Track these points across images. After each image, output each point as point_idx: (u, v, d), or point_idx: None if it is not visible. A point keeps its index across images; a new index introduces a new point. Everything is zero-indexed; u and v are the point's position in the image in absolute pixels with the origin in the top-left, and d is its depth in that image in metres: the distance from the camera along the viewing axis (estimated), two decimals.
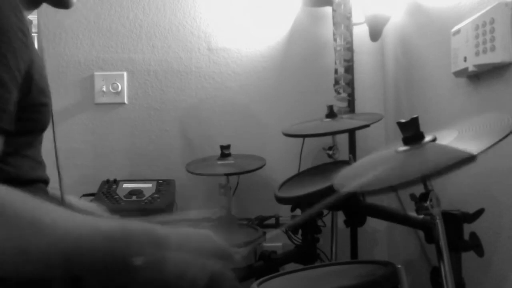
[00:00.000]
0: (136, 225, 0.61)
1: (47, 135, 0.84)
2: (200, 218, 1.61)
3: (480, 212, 1.01)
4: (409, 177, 0.77)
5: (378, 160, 0.94)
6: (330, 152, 1.54)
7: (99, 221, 0.59)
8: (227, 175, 1.62)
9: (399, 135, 0.88)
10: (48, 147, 0.89)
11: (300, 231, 1.56)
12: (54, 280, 0.63)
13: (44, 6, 0.89)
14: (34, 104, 0.72)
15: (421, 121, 0.86)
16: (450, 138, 0.84)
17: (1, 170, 0.68)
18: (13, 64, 0.63)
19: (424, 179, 0.82)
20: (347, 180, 0.92)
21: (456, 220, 1.01)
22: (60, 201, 0.92)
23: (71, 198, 1.18)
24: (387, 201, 1.63)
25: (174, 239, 0.62)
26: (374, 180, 0.82)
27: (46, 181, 0.83)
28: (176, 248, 0.62)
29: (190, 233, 0.67)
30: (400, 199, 1.02)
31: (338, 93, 1.66)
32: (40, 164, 0.82)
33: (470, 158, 0.69)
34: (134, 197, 1.59)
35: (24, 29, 0.68)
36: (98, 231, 0.57)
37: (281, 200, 1.38)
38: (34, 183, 0.77)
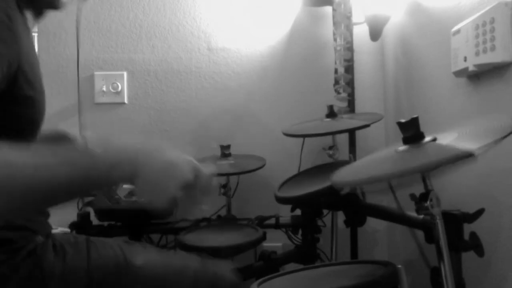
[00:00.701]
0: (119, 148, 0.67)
1: None
2: (201, 218, 1.61)
3: (480, 212, 1.01)
4: (409, 178, 0.77)
5: (378, 160, 0.94)
6: (330, 152, 1.54)
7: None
8: (227, 175, 1.62)
9: (399, 135, 0.88)
10: None
11: (300, 231, 1.56)
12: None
13: None
14: (21, 97, 0.71)
15: (421, 121, 0.86)
16: (450, 138, 0.84)
17: None
18: None
19: (423, 175, 0.82)
20: (347, 178, 0.92)
21: (456, 220, 1.00)
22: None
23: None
24: (387, 201, 1.63)
25: (146, 150, 0.68)
26: (374, 180, 0.82)
27: None
28: (149, 158, 0.67)
29: (161, 147, 0.71)
30: (397, 198, 1.02)
31: (338, 93, 1.66)
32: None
33: (469, 155, 0.69)
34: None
35: (11, 15, 0.67)
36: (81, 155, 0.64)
37: (281, 200, 1.38)
38: None
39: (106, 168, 0.63)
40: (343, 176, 0.91)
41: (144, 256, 0.89)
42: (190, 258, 0.94)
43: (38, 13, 0.88)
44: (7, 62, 0.66)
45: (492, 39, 0.97)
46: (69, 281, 0.80)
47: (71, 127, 1.84)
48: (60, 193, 0.62)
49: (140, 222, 1.56)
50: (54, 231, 0.94)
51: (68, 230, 1.46)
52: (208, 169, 0.75)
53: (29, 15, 0.84)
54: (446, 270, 0.85)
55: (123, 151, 0.66)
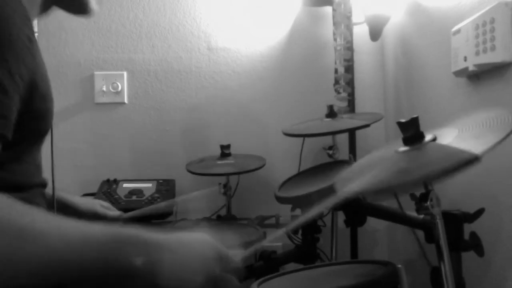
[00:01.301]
0: (129, 232, 0.59)
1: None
2: (198, 220, 1.61)
3: (480, 212, 1.01)
4: (411, 183, 0.77)
5: (378, 160, 0.94)
6: (330, 152, 1.54)
7: (89, 229, 0.57)
8: (227, 175, 1.62)
9: (399, 135, 0.88)
10: (45, 146, 0.89)
11: (300, 231, 1.56)
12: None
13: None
14: (35, 110, 0.71)
15: (421, 121, 0.86)
16: (451, 138, 0.84)
17: None
18: (15, 69, 0.62)
19: (427, 183, 0.82)
20: (348, 182, 0.92)
21: (456, 220, 1.00)
22: (59, 203, 0.92)
23: (71, 197, 1.17)
24: (387, 201, 1.63)
25: (168, 244, 0.61)
26: (375, 185, 0.81)
27: (44, 185, 0.83)
28: (170, 252, 0.61)
29: (185, 238, 0.65)
30: (398, 199, 1.02)
31: (338, 92, 1.66)
32: (38, 167, 0.81)
33: (474, 159, 0.68)
34: (134, 197, 1.59)
35: (31, 36, 0.67)
36: (89, 239, 0.56)
37: (281, 200, 1.38)
38: (32, 188, 0.76)
39: (125, 260, 0.57)
40: (345, 183, 0.90)
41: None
42: None
43: (46, 10, 0.88)
44: (25, 81, 0.65)
45: (492, 39, 0.97)
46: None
47: (71, 127, 1.84)
48: (57, 269, 0.54)
49: (140, 222, 1.56)
50: None
51: None
52: (237, 256, 0.70)
53: (33, 13, 0.84)
54: (446, 270, 0.85)
55: (144, 245, 0.59)
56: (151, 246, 0.59)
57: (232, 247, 0.69)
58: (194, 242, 0.65)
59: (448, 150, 0.78)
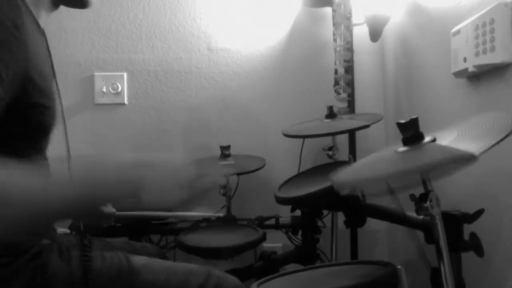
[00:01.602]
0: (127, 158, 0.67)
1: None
2: (201, 218, 1.62)
3: (480, 212, 1.01)
4: (409, 179, 0.77)
5: (377, 160, 0.94)
6: (330, 153, 1.54)
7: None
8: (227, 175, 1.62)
9: (399, 135, 0.88)
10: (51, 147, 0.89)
11: (300, 232, 1.56)
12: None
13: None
14: (32, 104, 0.71)
15: (421, 121, 0.86)
16: (450, 139, 0.84)
17: None
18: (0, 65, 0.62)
19: (424, 179, 0.82)
20: (347, 180, 0.92)
21: (456, 221, 1.01)
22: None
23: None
24: (387, 201, 1.63)
25: (145, 162, 0.67)
26: (374, 181, 0.82)
27: None
28: (150, 169, 0.66)
29: (155, 157, 0.71)
30: (397, 199, 1.02)
31: (338, 93, 1.66)
32: (45, 164, 0.82)
33: (471, 158, 0.69)
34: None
35: (18, 23, 0.67)
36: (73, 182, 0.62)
37: (281, 201, 1.38)
38: None
39: (109, 187, 0.64)
40: (343, 176, 0.91)
41: (147, 263, 0.89)
42: (195, 270, 0.92)
43: (54, 8, 0.88)
44: (12, 69, 0.65)
45: (492, 39, 0.97)
46: (74, 284, 0.80)
47: (71, 128, 1.84)
48: (61, 213, 0.62)
49: (140, 223, 1.56)
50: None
51: (67, 231, 1.46)
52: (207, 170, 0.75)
53: (43, 13, 0.84)
54: (446, 270, 0.85)
55: (122, 168, 0.66)
56: (135, 167, 0.65)
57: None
58: (169, 159, 0.71)
59: (446, 150, 0.78)
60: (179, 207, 0.68)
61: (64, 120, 0.95)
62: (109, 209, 1.28)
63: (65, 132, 0.97)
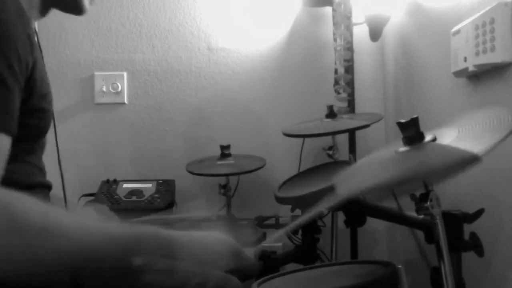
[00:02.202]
0: (148, 230, 0.61)
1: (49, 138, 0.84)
2: (201, 218, 1.61)
3: (480, 212, 1.01)
4: (411, 184, 0.77)
5: (377, 161, 0.94)
6: (330, 152, 1.54)
7: (110, 227, 0.60)
8: (227, 175, 1.62)
9: (399, 135, 0.88)
10: (48, 149, 0.89)
11: (300, 231, 1.56)
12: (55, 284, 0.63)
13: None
14: (34, 109, 0.72)
15: (421, 121, 0.86)
16: (451, 138, 0.84)
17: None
18: (17, 68, 0.63)
19: (426, 183, 0.82)
20: (347, 182, 0.92)
21: (456, 220, 1.00)
22: (64, 205, 0.92)
23: (73, 204, 1.17)
24: (387, 201, 1.63)
25: (184, 241, 0.63)
26: (374, 182, 0.81)
27: (47, 186, 0.83)
28: (187, 249, 0.62)
29: (201, 235, 0.67)
30: (397, 200, 1.02)
31: (338, 93, 1.66)
32: (41, 170, 0.81)
33: (475, 159, 0.68)
34: (134, 197, 1.59)
35: (30, 33, 0.68)
36: (110, 239, 0.57)
37: (281, 200, 1.38)
38: (34, 188, 0.77)
39: (133, 255, 0.58)
40: (344, 185, 0.90)
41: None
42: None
43: (46, 12, 0.89)
44: (26, 84, 0.67)
45: (492, 39, 0.97)
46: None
47: (71, 127, 1.84)
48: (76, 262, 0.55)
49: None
50: None
51: None
52: (251, 252, 0.71)
53: (34, 15, 0.85)
54: (446, 270, 0.85)
55: (158, 244, 0.60)
56: (168, 244, 0.61)
57: (245, 244, 0.70)
58: (209, 239, 0.67)
59: (448, 150, 0.78)
60: None
61: (54, 124, 0.95)
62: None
63: (55, 138, 0.96)
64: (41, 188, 0.79)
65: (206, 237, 0.67)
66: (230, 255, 0.66)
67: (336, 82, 1.67)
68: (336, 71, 1.67)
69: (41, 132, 0.79)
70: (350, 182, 0.91)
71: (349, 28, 1.65)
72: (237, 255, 0.67)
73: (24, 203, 0.54)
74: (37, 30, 0.94)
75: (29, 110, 0.70)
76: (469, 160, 0.69)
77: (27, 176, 0.75)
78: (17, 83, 0.64)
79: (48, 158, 0.87)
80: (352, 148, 1.75)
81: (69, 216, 0.57)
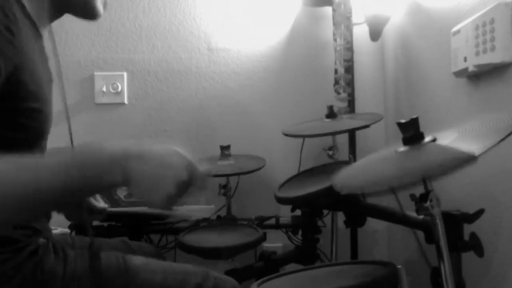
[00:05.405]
0: (103, 146, 0.66)
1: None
2: (201, 218, 1.61)
3: (480, 212, 1.01)
4: (409, 178, 0.77)
5: (378, 160, 0.94)
6: (330, 152, 1.54)
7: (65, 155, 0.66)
8: (227, 175, 1.62)
9: (399, 135, 0.88)
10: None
11: (300, 232, 1.56)
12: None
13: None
14: (24, 109, 0.72)
15: (421, 121, 0.86)
16: (450, 139, 0.84)
17: None
18: None
19: (425, 180, 0.82)
20: (347, 180, 0.92)
21: (456, 221, 1.01)
22: None
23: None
24: (387, 201, 1.63)
25: (141, 156, 0.67)
26: (374, 181, 0.81)
27: None
28: (144, 164, 0.66)
29: (155, 149, 0.70)
30: (397, 199, 1.02)
31: (338, 93, 1.66)
32: None
33: (471, 159, 0.69)
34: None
35: (12, 28, 0.67)
36: (69, 163, 0.64)
37: (281, 200, 1.38)
38: None
39: (97, 174, 0.63)
40: (344, 178, 0.91)
41: (144, 263, 0.88)
42: (192, 271, 0.92)
43: (58, 15, 0.89)
44: (9, 77, 0.67)
45: (492, 39, 0.97)
46: (70, 284, 0.80)
47: (71, 127, 1.84)
48: (49, 197, 0.62)
49: (140, 222, 1.56)
50: (53, 231, 0.93)
51: (67, 230, 1.46)
52: (203, 167, 0.74)
53: (44, 19, 0.85)
54: (446, 270, 0.85)
55: (112, 156, 0.65)
56: (125, 156, 0.65)
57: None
58: (163, 152, 0.70)
59: (447, 150, 0.78)
60: (170, 203, 0.67)
61: (69, 123, 0.96)
62: (101, 204, 1.27)
63: (70, 133, 0.98)
64: None
65: (160, 149, 0.70)
66: (184, 167, 0.69)
67: (336, 82, 1.67)
68: (336, 71, 1.67)
69: (37, 133, 0.78)
70: (350, 179, 0.91)
71: (349, 28, 1.65)
72: (189, 167, 0.70)
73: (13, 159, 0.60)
74: (52, 32, 0.95)
75: (19, 110, 0.70)
76: (465, 159, 0.70)
77: None
78: None
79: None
80: (352, 148, 1.75)
81: (30, 159, 0.64)
